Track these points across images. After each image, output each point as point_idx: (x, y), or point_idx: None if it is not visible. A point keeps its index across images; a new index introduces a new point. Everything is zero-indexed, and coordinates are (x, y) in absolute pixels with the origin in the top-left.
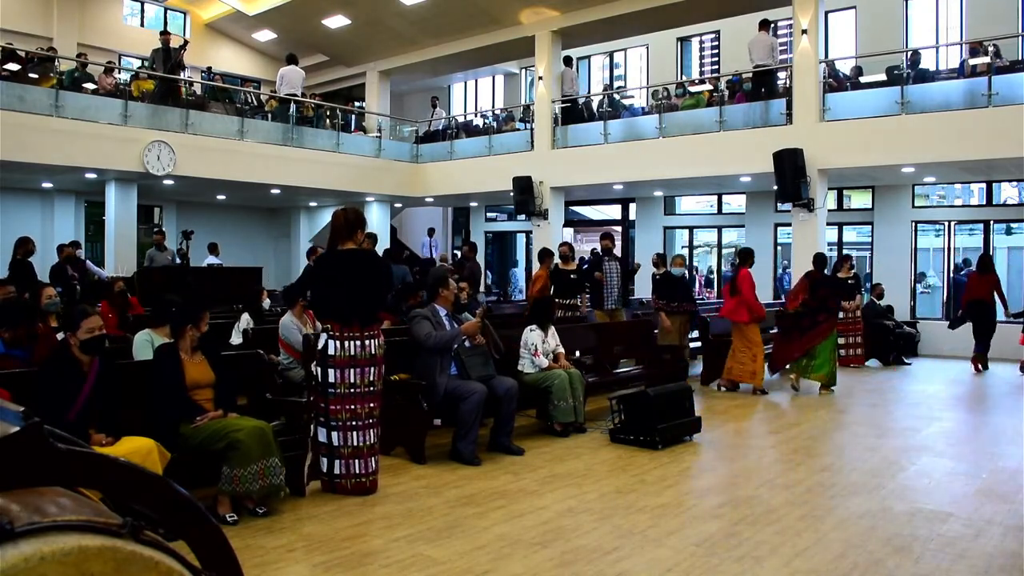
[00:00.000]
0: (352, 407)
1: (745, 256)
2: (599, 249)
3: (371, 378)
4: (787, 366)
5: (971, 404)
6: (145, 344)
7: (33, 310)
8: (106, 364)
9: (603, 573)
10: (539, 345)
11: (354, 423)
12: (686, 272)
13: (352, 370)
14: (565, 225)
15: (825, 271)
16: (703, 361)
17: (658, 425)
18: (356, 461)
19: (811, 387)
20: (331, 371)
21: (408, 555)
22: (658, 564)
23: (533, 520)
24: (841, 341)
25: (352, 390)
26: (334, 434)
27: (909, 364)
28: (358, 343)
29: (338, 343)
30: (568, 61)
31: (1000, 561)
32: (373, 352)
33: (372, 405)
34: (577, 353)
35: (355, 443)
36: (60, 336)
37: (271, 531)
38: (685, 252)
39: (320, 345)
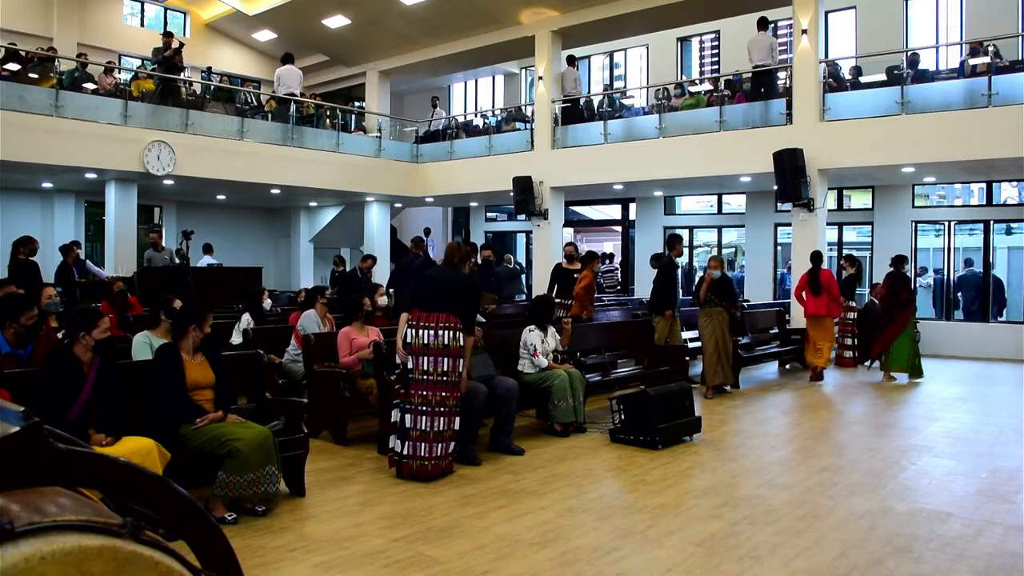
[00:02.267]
0: (424, 393)
1: (820, 259)
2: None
3: (444, 368)
4: (875, 361)
5: (971, 404)
6: (144, 346)
7: (33, 304)
8: (106, 364)
9: (603, 573)
10: (538, 345)
11: (424, 408)
12: (724, 272)
13: (425, 358)
14: (565, 225)
15: (905, 271)
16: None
17: (658, 425)
18: (422, 444)
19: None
20: (409, 358)
21: (408, 555)
22: (658, 564)
23: (533, 520)
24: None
25: (425, 377)
26: (407, 416)
27: None
28: (431, 332)
29: (414, 331)
30: (572, 60)
31: (1000, 561)
32: (446, 343)
33: (444, 394)
34: (576, 353)
35: (422, 427)
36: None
37: (271, 531)
38: (686, 251)
39: (402, 334)
